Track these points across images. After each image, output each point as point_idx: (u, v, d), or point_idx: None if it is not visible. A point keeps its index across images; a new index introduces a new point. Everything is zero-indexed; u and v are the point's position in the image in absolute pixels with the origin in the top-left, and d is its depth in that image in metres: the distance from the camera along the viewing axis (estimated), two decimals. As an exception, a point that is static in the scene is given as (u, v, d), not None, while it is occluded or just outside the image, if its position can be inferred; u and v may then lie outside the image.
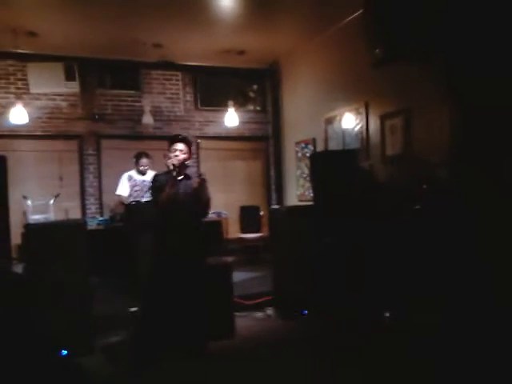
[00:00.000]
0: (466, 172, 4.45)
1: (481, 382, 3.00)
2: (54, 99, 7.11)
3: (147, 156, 6.11)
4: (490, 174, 4.16)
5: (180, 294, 3.76)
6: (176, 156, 3.85)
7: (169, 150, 3.93)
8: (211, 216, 6.67)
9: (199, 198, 3.89)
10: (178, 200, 3.80)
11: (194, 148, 7.85)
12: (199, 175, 4.02)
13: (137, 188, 6.05)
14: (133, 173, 6.13)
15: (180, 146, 3.89)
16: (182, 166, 3.88)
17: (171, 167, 3.83)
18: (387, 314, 4.39)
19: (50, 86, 7.00)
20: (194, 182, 3.87)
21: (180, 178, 3.88)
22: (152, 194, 4.00)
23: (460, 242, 4.06)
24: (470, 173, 4.37)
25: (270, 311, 5.00)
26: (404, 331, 4.07)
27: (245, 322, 4.66)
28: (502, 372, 3.04)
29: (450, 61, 4.53)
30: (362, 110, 6.01)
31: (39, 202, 6.04)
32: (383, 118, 5.66)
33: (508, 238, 3.78)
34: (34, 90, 6.90)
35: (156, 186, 3.89)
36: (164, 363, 3.65)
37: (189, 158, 3.98)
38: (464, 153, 4.47)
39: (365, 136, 5.99)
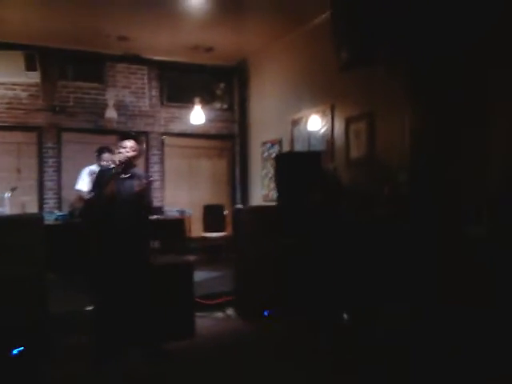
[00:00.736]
0: (425, 175, 4.55)
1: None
2: (14, 89, 6.87)
3: (110, 151, 5.95)
4: (448, 177, 4.27)
5: (127, 294, 3.69)
6: (122, 153, 3.74)
7: (118, 145, 3.82)
8: (174, 214, 6.62)
9: (141, 200, 3.83)
10: (120, 198, 3.70)
11: (158, 144, 7.80)
12: (146, 177, 3.99)
13: (98, 183, 5.90)
14: (94, 167, 5.96)
15: (129, 143, 3.78)
16: (127, 164, 3.77)
17: (117, 163, 3.71)
18: (346, 316, 4.44)
19: (9, 75, 6.76)
20: (138, 184, 3.76)
21: (125, 176, 3.77)
22: (93, 189, 3.91)
23: (420, 244, 4.14)
24: (430, 176, 4.47)
25: (230, 311, 4.98)
26: (362, 333, 4.12)
27: (205, 321, 4.62)
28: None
29: (413, 65, 4.62)
30: (328, 112, 6.07)
31: (-6, 195, 5.80)
32: (348, 121, 5.73)
33: (463, 240, 3.88)
34: (-9, 78, 6.64)
35: (98, 181, 3.79)
36: (122, 362, 3.59)
37: (137, 157, 3.86)
38: (423, 156, 4.57)
39: (330, 138, 6.04)
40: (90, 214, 4.01)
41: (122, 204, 3.70)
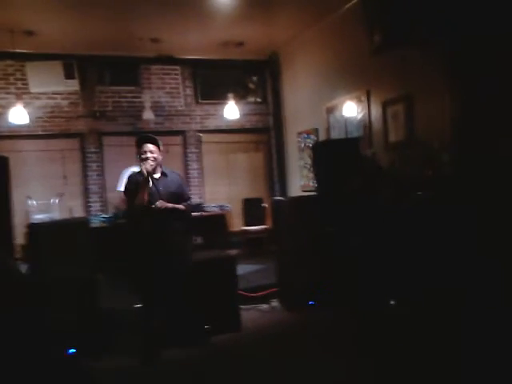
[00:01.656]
0: (468, 157, 4.41)
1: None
2: (54, 98, 7.12)
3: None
4: (491, 159, 4.12)
5: (169, 288, 3.77)
6: (147, 158, 3.72)
7: (138, 152, 3.79)
8: (214, 209, 6.69)
9: (181, 197, 3.91)
10: (156, 199, 3.72)
11: (195, 142, 7.89)
12: (176, 174, 4.06)
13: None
14: (135, 169, 6.09)
15: (149, 146, 3.76)
16: (155, 167, 3.78)
17: (144, 172, 3.69)
18: (393, 303, 4.37)
19: (50, 84, 7.00)
20: (160, 203, 3.75)
21: (157, 176, 3.82)
22: (125, 195, 3.91)
23: (463, 228, 4.02)
24: (472, 157, 4.33)
25: (275, 303, 5.00)
26: (409, 319, 4.04)
27: (250, 314, 4.66)
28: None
29: (450, 46, 4.47)
30: (364, 97, 5.96)
31: (43, 202, 6.06)
32: (385, 105, 5.61)
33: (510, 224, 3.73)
34: (33, 89, 6.90)
35: (129, 188, 3.82)
36: (170, 356, 3.68)
37: (159, 157, 3.83)
38: (466, 137, 4.43)
39: (367, 124, 5.94)
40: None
41: (157, 209, 3.72)
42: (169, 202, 3.78)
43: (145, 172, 3.70)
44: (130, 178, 3.93)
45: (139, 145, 3.81)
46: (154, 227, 3.75)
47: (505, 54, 3.98)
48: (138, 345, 3.79)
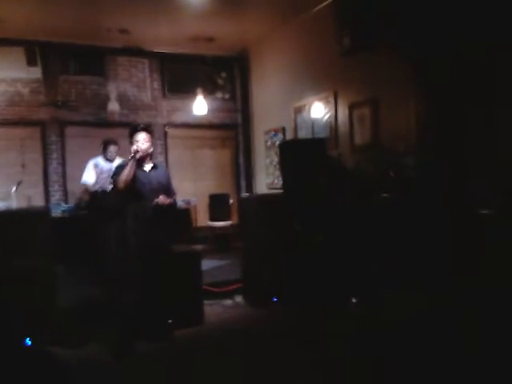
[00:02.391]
0: (431, 160, 4.54)
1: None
2: (15, 85, 6.86)
3: (115, 143, 5.97)
4: (454, 162, 4.26)
5: (143, 279, 3.72)
6: (138, 147, 3.77)
7: (130, 140, 3.85)
8: (180, 204, 6.63)
9: (167, 191, 3.94)
10: (147, 190, 3.77)
11: (161, 136, 7.79)
12: (165, 168, 4.08)
13: (104, 175, 5.90)
14: (99, 160, 5.97)
15: (141, 135, 3.82)
16: (145, 156, 3.83)
17: (136, 156, 3.73)
18: (354, 301, 4.45)
19: (11, 71, 6.76)
20: (163, 199, 3.81)
21: (149, 168, 3.85)
22: (114, 182, 3.87)
23: (426, 229, 4.14)
24: (435, 161, 4.46)
25: (239, 299, 5.00)
26: (371, 317, 4.13)
27: (214, 309, 4.65)
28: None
29: (417, 49, 4.59)
30: (331, 98, 6.05)
31: (1, 190, 5.84)
32: (352, 107, 5.71)
33: (471, 225, 3.87)
34: (-8, 74, 6.64)
35: (119, 172, 3.78)
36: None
37: (150, 148, 3.91)
38: (431, 141, 4.56)
39: (334, 125, 6.02)
40: (99, 206, 4.02)
41: (150, 195, 3.75)
42: (159, 195, 3.79)
43: (133, 152, 3.71)
44: (119, 166, 3.92)
45: (132, 134, 3.84)
46: (144, 219, 3.73)
47: (471, 60, 4.12)
48: (110, 338, 3.71)
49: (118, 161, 5.98)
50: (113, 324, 3.82)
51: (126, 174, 3.68)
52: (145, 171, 3.86)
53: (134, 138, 3.82)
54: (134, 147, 3.78)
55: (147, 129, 3.94)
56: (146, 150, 3.84)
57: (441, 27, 4.30)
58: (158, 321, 3.83)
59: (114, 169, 4.10)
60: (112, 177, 3.95)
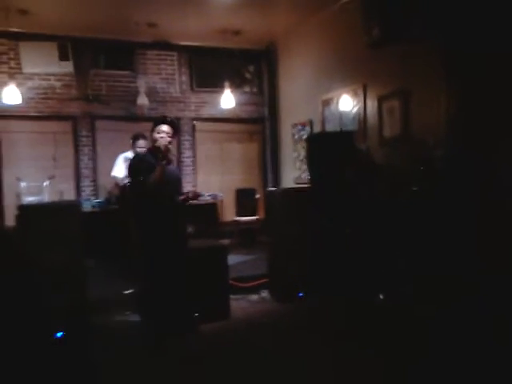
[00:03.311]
0: (463, 153, 4.43)
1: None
2: (48, 79, 7.01)
3: (144, 137, 6.02)
4: (486, 156, 4.14)
5: (170, 273, 3.75)
6: (163, 138, 3.75)
7: (154, 131, 3.81)
8: (206, 198, 6.67)
9: (181, 185, 4.01)
10: (164, 184, 3.73)
11: (189, 130, 7.84)
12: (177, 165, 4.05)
13: (133, 169, 5.99)
14: (129, 154, 6.05)
15: (166, 128, 3.79)
16: (167, 150, 3.78)
17: (163, 149, 3.72)
18: (381, 297, 4.40)
19: (44, 65, 6.90)
20: (192, 193, 3.93)
21: (166, 162, 3.80)
22: (136, 175, 3.78)
23: (457, 222, 4.05)
24: (467, 154, 4.35)
25: (264, 294, 5.01)
26: (398, 314, 4.08)
27: (240, 304, 4.67)
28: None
29: (448, 42, 4.47)
30: (360, 91, 5.94)
31: (33, 184, 5.99)
32: (381, 100, 5.61)
33: (503, 221, 3.77)
34: (26, 69, 6.79)
35: (138, 167, 3.77)
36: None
37: (172, 143, 3.88)
38: (461, 134, 4.45)
39: (362, 118, 5.93)
40: (133, 199, 4.01)
41: (166, 189, 3.75)
42: (173, 190, 3.82)
43: (163, 147, 3.70)
44: (136, 157, 3.93)
45: (156, 124, 3.83)
46: (171, 212, 3.75)
47: (502, 54, 3.99)
48: (144, 333, 3.76)
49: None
50: (144, 317, 3.87)
51: (158, 178, 3.64)
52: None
53: (159, 128, 3.78)
54: (161, 141, 3.74)
55: (173, 122, 3.94)
56: (169, 144, 3.81)
57: (471, 20, 4.17)
58: (184, 314, 3.88)
59: (131, 161, 4.00)
60: (131, 169, 3.86)
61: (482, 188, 4.04)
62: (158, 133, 3.78)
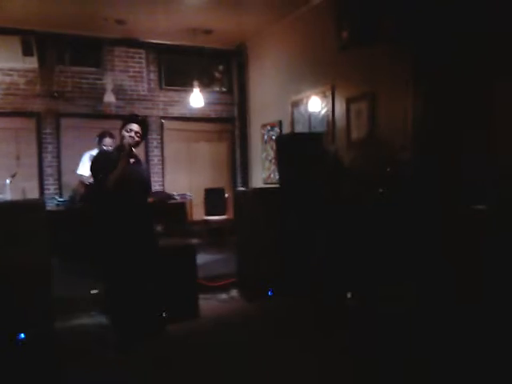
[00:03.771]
0: (427, 155, 4.54)
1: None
2: (11, 75, 6.80)
3: (111, 136, 5.92)
4: (450, 158, 4.26)
5: (138, 273, 3.69)
6: (131, 137, 3.66)
7: (123, 128, 3.71)
8: (175, 198, 6.61)
9: (146, 186, 3.90)
10: (130, 183, 3.65)
11: (157, 128, 7.75)
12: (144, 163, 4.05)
13: (99, 168, 5.88)
14: (95, 152, 5.93)
15: (136, 127, 3.70)
16: (130, 148, 3.69)
17: (126, 147, 3.63)
18: (349, 295, 4.47)
19: (6, 60, 6.69)
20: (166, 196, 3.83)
21: (132, 161, 3.73)
22: (97, 173, 3.70)
23: (422, 224, 4.15)
24: (433, 157, 4.46)
25: (234, 293, 5.00)
26: (365, 312, 4.15)
27: (209, 303, 4.64)
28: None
29: (416, 45, 4.58)
30: (329, 93, 6.03)
31: (-5, 182, 5.79)
32: (349, 102, 5.70)
33: (465, 222, 3.88)
34: (-12, 64, 6.58)
35: (102, 164, 3.67)
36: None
37: (141, 142, 3.80)
38: (427, 137, 4.56)
39: (331, 119, 6.01)
40: (95, 198, 3.91)
41: (132, 188, 3.67)
42: (140, 190, 3.74)
43: (127, 145, 3.62)
44: (100, 154, 3.82)
45: (127, 122, 3.73)
46: (135, 212, 3.68)
47: (468, 56, 4.11)
48: (111, 334, 3.68)
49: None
50: (112, 317, 3.80)
51: (119, 174, 3.56)
52: (129, 164, 3.71)
53: (129, 126, 3.68)
54: (128, 140, 3.66)
55: (143, 121, 3.85)
56: (138, 143, 3.74)
57: (440, 24, 4.28)
58: (153, 315, 3.82)
59: (92, 159, 3.92)
60: (93, 167, 3.76)
61: (447, 191, 4.15)
62: (127, 131, 3.69)
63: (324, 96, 6.13)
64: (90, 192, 5.62)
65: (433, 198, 4.16)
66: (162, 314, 3.90)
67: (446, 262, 3.83)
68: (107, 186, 3.57)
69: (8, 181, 5.69)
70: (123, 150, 3.64)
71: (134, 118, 3.80)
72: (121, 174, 3.57)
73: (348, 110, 5.72)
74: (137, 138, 3.70)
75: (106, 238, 3.73)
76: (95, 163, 3.76)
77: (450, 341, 3.28)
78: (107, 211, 3.70)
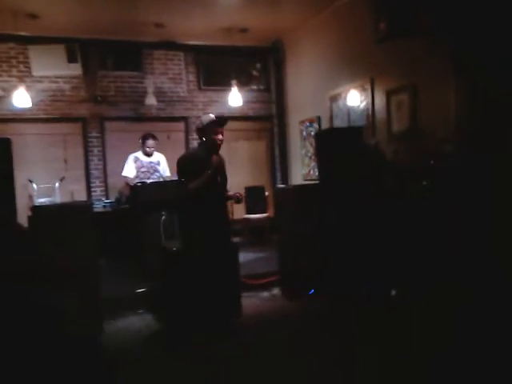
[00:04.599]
0: (472, 148, 4.40)
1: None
2: (57, 82, 7.07)
3: (154, 137, 6.08)
4: (495, 150, 4.11)
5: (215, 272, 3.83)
6: (222, 139, 3.89)
7: (214, 130, 3.87)
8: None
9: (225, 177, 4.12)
10: (215, 186, 3.90)
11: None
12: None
13: (143, 169, 6.03)
14: (139, 154, 6.09)
15: (222, 129, 3.91)
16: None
17: (216, 146, 3.87)
18: (393, 293, 4.39)
19: (52, 68, 6.95)
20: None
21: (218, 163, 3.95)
22: (192, 172, 3.85)
23: (469, 218, 4.02)
24: (476, 149, 4.32)
25: (275, 291, 5.02)
26: (410, 310, 4.07)
27: (251, 301, 4.68)
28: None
29: (456, 37, 4.44)
30: (368, 86, 5.93)
31: (45, 185, 6.05)
32: (389, 94, 5.59)
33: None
34: (36, 72, 6.86)
35: (191, 165, 3.86)
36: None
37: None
38: (470, 129, 4.42)
39: (370, 113, 5.91)
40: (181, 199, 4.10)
41: (218, 185, 3.90)
42: (220, 191, 4.06)
43: (218, 147, 3.88)
44: (189, 155, 4.13)
45: (219, 125, 3.89)
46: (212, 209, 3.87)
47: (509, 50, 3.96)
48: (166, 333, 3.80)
49: (156, 155, 6.10)
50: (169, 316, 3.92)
51: (201, 184, 3.77)
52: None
53: (219, 129, 3.86)
54: (218, 142, 3.88)
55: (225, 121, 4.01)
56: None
57: (479, 16, 4.14)
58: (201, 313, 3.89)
59: (185, 160, 4.06)
60: (180, 167, 3.94)
61: (493, 185, 4.01)
62: (219, 133, 3.87)
63: (363, 89, 6.03)
64: (135, 192, 5.78)
65: (478, 192, 4.03)
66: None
67: (495, 259, 3.70)
68: (188, 192, 3.77)
69: (57, 184, 5.94)
70: (208, 150, 3.84)
71: (223, 122, 3.95)
72: (202, 186, 3.75)
73: (388, 103, 5.61)
74: (222, 138, 3.91)
75: (188, 235, 3.87)
76: (182, 166, 3.92)
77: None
78: (189, 212, 3.87)
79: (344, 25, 6.29)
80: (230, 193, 4.17)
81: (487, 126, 4.23)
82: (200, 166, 3.80)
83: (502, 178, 3.94)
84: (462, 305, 3.70)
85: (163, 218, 5.00)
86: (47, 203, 5.39)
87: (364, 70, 5.94)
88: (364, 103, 6.03)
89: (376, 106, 5.83)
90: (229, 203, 4.48)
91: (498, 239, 3.76)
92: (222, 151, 4.11)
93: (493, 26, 4.06)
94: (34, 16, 6.09)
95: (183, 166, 3.91)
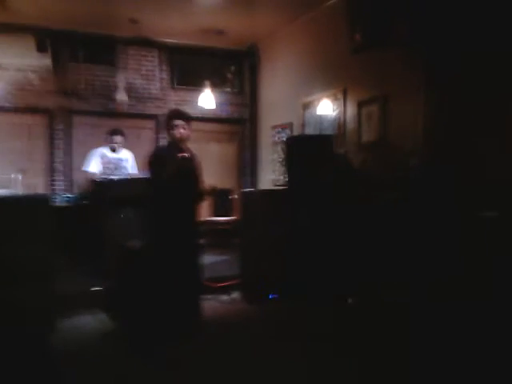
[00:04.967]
0: (438, 161, 4.47)
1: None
2: (24, 71, 6.85)
3: (122, 133, 5.95)
4: (462, 162, 4.18)
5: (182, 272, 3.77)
6: (178, 132, 3.84)
7: (170, 124, 3.88)
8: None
9: (198, 181, 4.02)
10: (184, 178, 3.79)
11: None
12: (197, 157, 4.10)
13: (110, 165, 5.89)
14: (105, 150, 5.96)
15: (182, 122, 3.88)
16: (186, 143, 3.90)
17: (178, 141, 3.83)
18: (350, 300, 4.42)
19: (20, 57, 6.76)
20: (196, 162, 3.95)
21: (187, 155, 3.87)
22: (157, 167, 3.82)
23: (433, 228, 4.07)
24: (443, 162, 4.39)
25: (235, 295, 4.97)
26: (369, 316, 4.08)
27: (211, 304, 4.62)
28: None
29: (428, 48, 4.51)
30: (340, 96, 5.96)
31: (5, 177, 5.84)
32: (360, 105, 5.63)
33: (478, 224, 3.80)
34: (2, 60, 6.64)
35: (162, 160, 3.79)
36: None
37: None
38: (437, 142, 4.49)
39: (342, 122, 5.95)
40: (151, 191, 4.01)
41: (185, 184, 3.79)
42: (191, 183, 3.95)
43: (179, 137, 3.83)
44: (156, 150, 4.21)
45: (171, 117, 3.90)
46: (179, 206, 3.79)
47: (481, 63, 4.04)
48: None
49: (123, 151, 5.97)
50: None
51: (172, 169, 3.73)
52: (183, 159, 3.86)
53: (175, 122, 3.86)
54: (175, 136, 3.85)
55: (189, 117, 4.03)
56: (188, 136, 3.93)
57: (452, 28, 4.21)
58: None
59: (151, 155, 4.04)
60: (150, 162, 3.89)
61: (455, 197, 4.07)
62: (172, 128, 3.87)
63: (335, 99, 6.07)
64: (99, 188, 5.64)
65: (441, 202, 4.08)
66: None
67: (452, 267, 3.75)
68: (163, 180, 3.70)
69: (19, 176, 5.74)
70: (174, 147, 3.79)
71: (176, 114, 3.95)
72: (174, 169, 3.68)
73: (359, 113, 5.65)
74: (187, 132, 3.85)
75: (158, 226, 3.79)
76: (152, 158, 3.89)
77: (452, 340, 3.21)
78: (161, 203, 3.79)
79: (320, 33, 6.33)
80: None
81: (453, 138, 4.31)
82: (167, 162, 3.73)
83: (465, 187, 4.01)
84: (420, 305, 3.75)
85: (122, 215, 4.90)
86: (4, 194, 5.19)
87: (338, 80, 5.98)
88: (336, 112, 6.06)
89: (347, 116, 5.87)
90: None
91: (457, 251, 3.82)
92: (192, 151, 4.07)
93: (463, 37, 4.14)
94: (3, 2, 5.88)
95: (151, 162, 3.87)
